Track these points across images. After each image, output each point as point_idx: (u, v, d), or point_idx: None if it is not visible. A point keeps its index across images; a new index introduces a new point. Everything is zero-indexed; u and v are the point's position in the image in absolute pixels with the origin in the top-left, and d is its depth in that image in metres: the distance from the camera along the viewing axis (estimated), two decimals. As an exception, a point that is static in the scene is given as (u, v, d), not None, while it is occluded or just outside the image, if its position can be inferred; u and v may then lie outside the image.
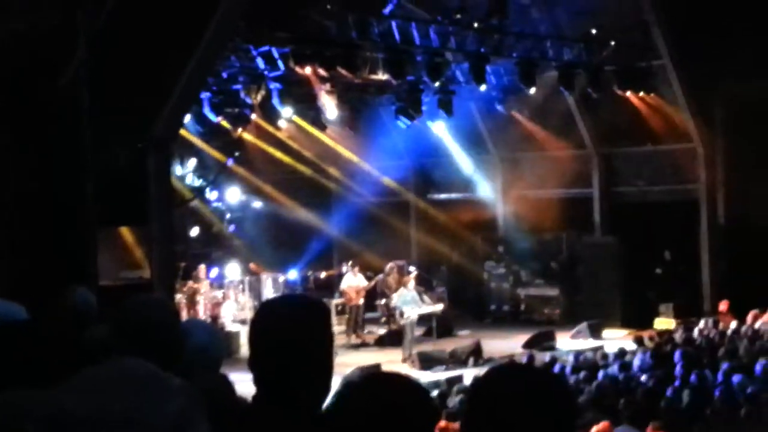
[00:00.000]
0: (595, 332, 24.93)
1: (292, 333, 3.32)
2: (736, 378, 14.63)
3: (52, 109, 14.24)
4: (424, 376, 19.75)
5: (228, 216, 30.48)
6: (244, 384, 3.63)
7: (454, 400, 15.32)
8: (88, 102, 14.44)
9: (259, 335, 3.42)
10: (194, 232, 29.11)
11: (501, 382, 2.68)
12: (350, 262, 27.32)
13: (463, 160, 32.19)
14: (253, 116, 27.76)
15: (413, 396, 2.78)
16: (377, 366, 19.07)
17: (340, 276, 27.55)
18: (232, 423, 3.34)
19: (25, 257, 13.57)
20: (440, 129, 30.86)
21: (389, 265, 26.91)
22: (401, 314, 23.09)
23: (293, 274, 29.52)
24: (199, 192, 28.78)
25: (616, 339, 23.65)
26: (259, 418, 3.29)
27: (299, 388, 3.30)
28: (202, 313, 24.50)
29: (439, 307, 24.74)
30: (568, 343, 24.27)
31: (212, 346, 4.91)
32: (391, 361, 21.93)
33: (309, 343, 3.34)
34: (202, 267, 26.31)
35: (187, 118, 23.91)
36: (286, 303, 3.82)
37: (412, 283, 23.77)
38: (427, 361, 21.97)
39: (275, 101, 26.17)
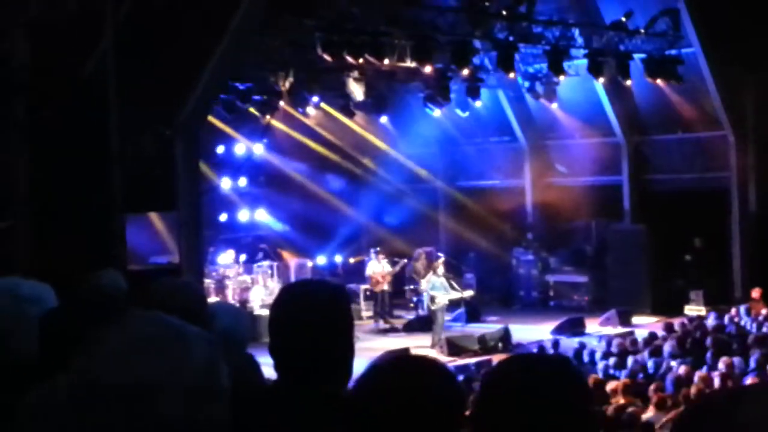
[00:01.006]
0: (625, 319, 24.84)
1: (312, 317, 3.32)
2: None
3: (80, 97, 14.30)
4: (453, 362, 19.75)
5: (257, 202, 30.53)
6: (268, 368, 3.63)
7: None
8: (115, 89, 14.50)
9: (278, 319, 3.42)
10: (223, 217, 29.18)
11: (511, 374, 2.61)
12: (377, 249, 27.33)
13: (492, 148, 32.11)
14: (281, 103, 27.81)
15: (440, 379, 2.74)
16: (405, 350, 19.08)
17: (367, 262, 27.60)
18: (254, 405, 3.33)
19: (55, 243, 13.65)
20: (468, 116, 30.78)
21: (417, 251, 26.92)
22: (431, 300, 23.11)
23: (321, 260, 29.58)
24: (228, 177, 28.84)
25: (646, 326, 23.55)
26: (279, 401, 3.28)
27: (319, 371, 3.29)
28: (231, 297, 24.62)
29: (467, 293, 24.72)
30: (597, 329, 24.21)
31: (238, 328, 4.92)
32: (420, 346, 21.92)
33: (329, 327, 3.33)
34: (230, 252, 26.35)
35: (216, 105, 23.98)
36: (305, 287, 3.81)
37: (441, 269, 23.76)
38: (455, 347, 22.00)
39: (303, 88, 26.20)
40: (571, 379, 2.62)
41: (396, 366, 2.81)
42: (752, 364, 15.41)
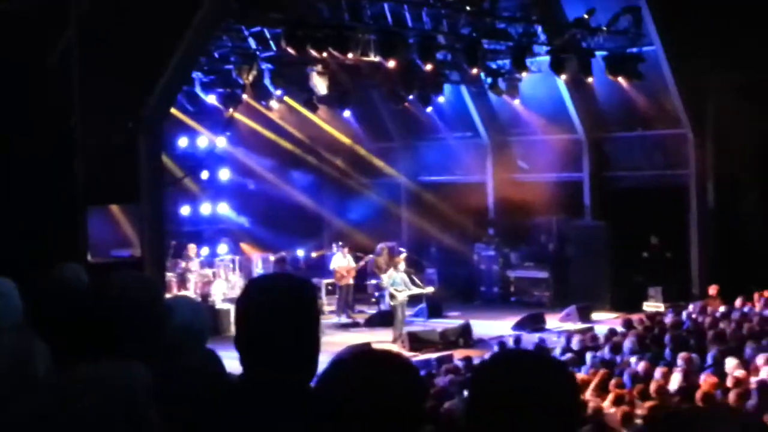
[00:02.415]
0: (585, 315, 24.99)
1: (277, 310, 3.32)
2: (728, 361, 14.71)
3: (43, 87, 14.22)
4: (414, 357, 19.81)
5: (219, 195, 30.45)
6: (232, 362, 3.64)
7: (444, 380, 15.38)
8: (78, 81, 14.43)
9: (244, 313, 3.42)
10: (185, 211, 29.09)
11: (504, 371, 2.64)
12: (340, 243, 27.38)
13: (454, 143, 32.18)
14: (245, 96, 27.75)
15: (402, 373, 2.78)
16: (367, 345, 19.11)
17: (331, 256, 27.62)
18: (218, 401, 3.34)
19: (15, 235, 13.57)
20: (431, 111, 30.84)
21: (380, 246, 26.98)
22: (391, 295, 23.16)
23: (284, 254, 29.54)
24: (190, 171, 28.73)
25: (606, 322, 23.71)
26: (245, 396, 3.29)
27: (285, 365, 3.29)
28: (193, 291, 24.55)
29: (428, 289, 24.81)
30: (558, 325, 24.35)
31: (196, 322, 4.92)
32: (381, 341, 21.97)
33: (294, 320, 3.33)
34: (192, 246, 26.31)
35: (178, 97, 23.90)
36: (271, 280, 3.82)
37: (402, 265, 23.81)
38: (416, 342, 22.06)
39: (267, 81, 26.16)
40: (561, 376, 2.66)
41: (359, 360, 2.84)
42: (709, 360, 15.57)
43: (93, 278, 6.00)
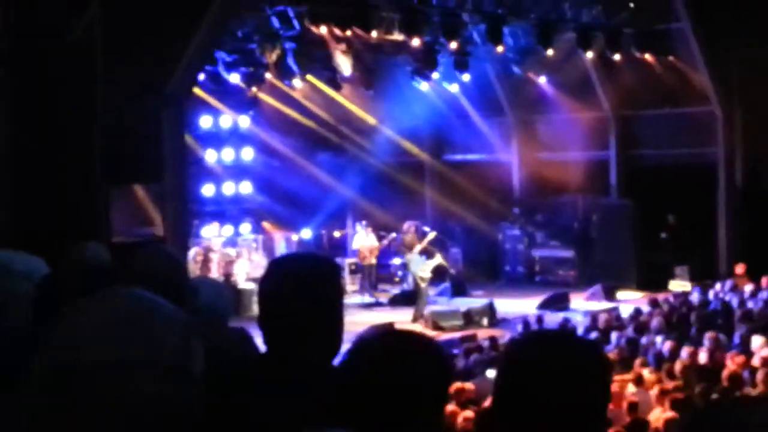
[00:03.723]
0: (610, 294, 24.90)
1: (301, 290, 3.32)
2: (755, 339, 14.62)
3: (65, 64, 14.18)
4: (437, 336, 19.75)
5: (242, 175, 30.43)
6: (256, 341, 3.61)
7: (466, 360, 15.32)
8: (101, 58, 14.39)
9: (268, 293, 3.43)
10: (208, 190, 29.07)
11: (535, 350, 2.58)
12: (363, 222, 27.34)
13: (479, 122, 32.05)
14: (268, 75, 27.69)
15: (426, 352, 2.74)
16: (390, 325, 19.08)
17: (354, 236, 27.59)
18: (243, 377, 3.32)
19: (37, 215, 13.55)
20: (456, 90, 30.71)
21: (407, 225, 26.84)
22: (418, 276, 23.08)
23: (307, 234, 29.52)
24: (213, 150, 28.72)
25: (631, 301, 23.59)
26: (268, 376, 3.28)
27: (308, 345, 3.30)
28: (215, 271, 24.56)
29: (438, 259, 24.50)
30: (583, 304, 24.25)
31: (219, 302, 4.88)
32: (405, 320, 21.93)
33: (318, 300, 3.34)
34: (215, 225, 26.28)
35: (201, 77, 23.86)
36: (294, 260, 3.84)
37: (418, 247, 23.64)
38: (440, 321, 22.02)
39: (290, 61, 26.07)
40: (593, 356, 2.60)
41: (383, 339, 2.84)
42: (736, 339, 15.46)
43: (115, 257, 5.94)
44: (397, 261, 27.80)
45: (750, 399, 1.96)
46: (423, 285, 23.02)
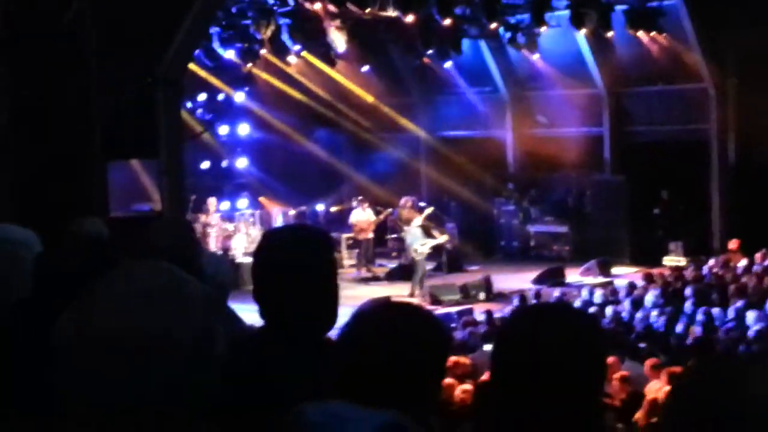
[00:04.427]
0: (605, 269, 24.96)
1: (295, 261, 3.31)
2: (750, 315, 14.72)
3: (60, 43, 14.20)
4: (434, 311, 19.84)
5: (238, 150, 30.45)
6: (253, 314, 3.63)
7: (464, 333, 15.42)
8: (95, 36, 14.40)
9: (262, 265, 3.42)
10: (205, 165, 29.11)
11: (533, 324, 2.58)
12: (360, 197, 27.40)
13: (473, 98, 32.06)
14: (263, 51, 27.68)
15: (424, 324, 2.76)
16: (388, 298, 19.15)
17: (350, 210, 27.64)
18: (240, 350, 3.33)
19: (35, 191, 13.61)
20: (450, 66, 30.72)
21: (404, 199, 26.88)
22: (414, 250, 23.16)
23: (303, 209, 29.57)
24: (209, 126, 28.75)
25: (626, 276, 23.69)
26: (264, 347, 3.29)
27: (303, 316, 3.29)
28: (213, 245, 24.60)
29: (444, 237, 24.70)
30: (578, 279, 24.34)
31: (220, 275, 4.93)
32: (401, 295, 22.01)
33: (312, 272, 3.33)
34: (212, 200, 26.38)
35: (196, 53, 23.84)
36: (288, 232, 3.82)
37: (417, 220, 23.78)
38: (438, 295, 22.13)
39: (284, 36, 26.06)
40: (590, 329, 2.60)
41: (381, 311, 2.83)
42: (732, 314, 15.57)
43: (115, 232, 6.02)
44: (393, 236, 27.88)
45: (740, 362, 1.98)
46: (418, 259, 23.10)
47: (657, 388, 11.17)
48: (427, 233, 23.65)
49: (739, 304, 15.88)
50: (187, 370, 1.90)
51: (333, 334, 3.26)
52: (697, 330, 14.28)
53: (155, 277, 1.97)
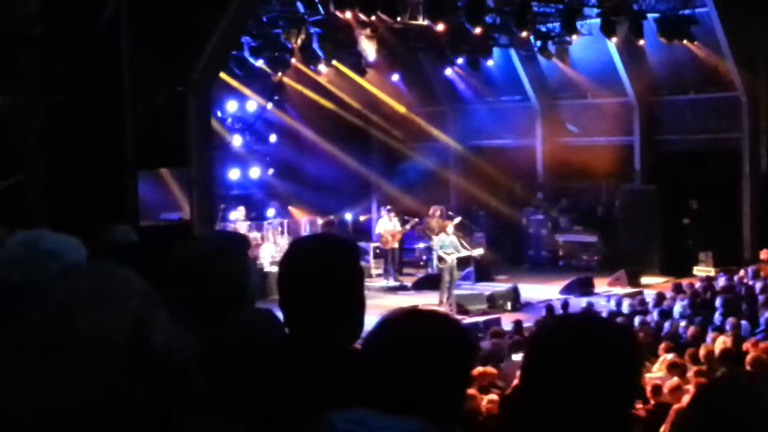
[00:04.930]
0: (634, 279, 24.87)
1: (321, 270, 3.30)
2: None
3: (93, 50, 14.29)
4: (462, 320, 19.81)
5: (267, 159, 30.54)
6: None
7: (489, 343, 15.39)
8: (128, 43, 14.49)
9: (287, 274, 3.42)
10: (234, 174, 29.20)
11: (564, 334, 2.56)
12: (387, 207, 27.41)
13: (504, 107, 32.05)
14: (293, 60, 27.77)
15: (450, 331, 2.76)
16: (414, 307, 19.14)
17: (377, 220, 27.68)
18: (265, 360, 3.34)
19: (66, 199, 13.69)
20: (481, 75, 30.74)
21: (432, 208, 26.88)
22: (440, 258, 23.15)
23: (331, 218, 29.60)
24: (239, 135, 28.88)
25: (655, 286, 23.59)
26: (290, 356, 3.28)
27: (329, 325, 3.28)
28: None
29: (478, 251, 24.75)
30: (606, 289, 24.25)
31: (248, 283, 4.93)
32: (429, 304, 21.97)
33: (338, 280, 3.32)
34: (241, 209, 26.41)
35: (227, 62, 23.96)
36: (313, 241, 3.83)
37: (451, 228, 23.80)
38: (465, 305, 22.10)
39: (315, 45, 26.13)
40: (624, 340, 2.58)
41: (407, 318, 2.83)
42: (762, 324, 15.47)
43: (145, 240, 6.06)
44: (421, 245, 27.90)
45: (757, 374, 1.95)
46: (443, 267, 23.01)
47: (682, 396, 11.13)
48: (460, 244, 23.60)
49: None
50: (124, 366, 1.92)
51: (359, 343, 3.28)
52: (726, 340, 14.18)
53: (84, 281, 1.99)
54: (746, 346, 13.74)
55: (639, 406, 10.69)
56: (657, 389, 11.51)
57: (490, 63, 28.95)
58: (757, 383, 2.07)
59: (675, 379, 11.98)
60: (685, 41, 26.40)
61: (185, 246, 4.22)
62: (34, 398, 1.88)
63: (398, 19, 23.33)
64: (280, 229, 27.24)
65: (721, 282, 20.42)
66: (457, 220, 24.88)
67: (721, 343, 13.82)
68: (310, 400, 3.01)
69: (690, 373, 12.25)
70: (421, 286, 25.34)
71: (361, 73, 29.72)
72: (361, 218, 30.29)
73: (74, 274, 2.03)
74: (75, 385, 1.88)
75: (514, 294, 22.92)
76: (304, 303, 3.31)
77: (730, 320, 15.16)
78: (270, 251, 25.39)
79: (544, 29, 27.83)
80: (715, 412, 2.00)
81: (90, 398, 1.88)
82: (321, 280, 3.29)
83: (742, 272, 21.62)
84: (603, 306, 20.04)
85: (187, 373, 2.02)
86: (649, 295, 20.32)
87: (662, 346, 14.21)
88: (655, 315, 17.35)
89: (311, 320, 3.30)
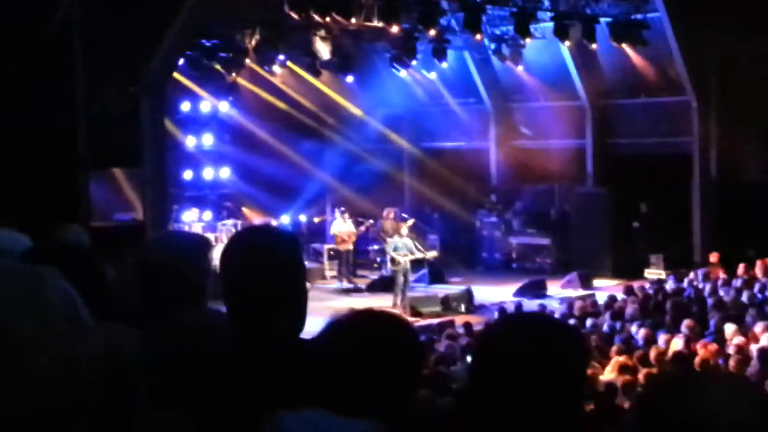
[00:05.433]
0: (586, 282, 24.99)
1: (261, 259, 3.29)
2: (727, 327, 14.77)
3: (45, 52, 14.20)
4: (416, 322, 19.84)
5: (221, 160, 30.43)
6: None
7: (445, 345, 15.42)
8: (80, 44, 14.41)
9: (228, 264, 3.38)
10: (188, 175, 29.08)
11: (510, 335, 2.54)
12: (342, 208, 27.38)
13: (457, 110, 32.14)
14: (247, 61, 27.70)
15: (400, 332, 2.79)
16: (367, 309, 19.11)
17: (331, 221, 27.64)
18: (209, 355, 3.31)
19: (17, 198, 13.59)
20: (434, 78, 30.82)
21: (386, 211, 26.89)
22: (393, 260, 23.17)
23: (285, 219, 29.54)
24: (193, 135, 28.76)
25: (607, 289, 23.73)
26: (233, 349, 3.24)
27: (271, 315, 3.25)
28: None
29: (431, 254, 24.78)
30: (559, 292, 24.38)
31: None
32: (383, 306, 21.97)
33: (278, 269, 3.29)
34: (195, 210, 26.29)
35: (181, 62, 23.87)
36: (254, 232, 3.81)
37: (405, 230, 23.81)
38: (418, 307, 22.11)
39: (269, 46, 26.09)
40: (572, 339, 2.57)
41: (358, 319, 2.86)
42: (711, 327, 15.60)
43: (97, 241, 6.02)
44: (375, 247, 27.91)
45: (701, 375, 1.97)
46: (396, 269, 22.99)
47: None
48: (413, 245, 23.61)
49: (718, 317, 15.91)
50: (63, 343, 1.93)
51: (308, 337, 3.26)
52: (678, 343, 14.29)
53: (5, 275, 2.00)
54: (695, 347, 13.87)
55: (589, 407, 10.77)
56: (610, 389, 11.59)
57: (444, 65, 29.00)
58: (701, 383, 2.09)
59: (627, 377, 12.08)
60: (636, 45, 26.60)
61: (148, 245, 4.22)
62: None
63: (353, 20, 23.32)
64: (233, 230, 27.09)
65: (671, 285, 20.58)
66: (411, 222, 24.89)
67: (674, 345, 13.94)
68: (260, 392, 3.01)
69: (640, 375, 12.35)
70: (375, 288, 25.30)
71: (316, 74, 29.72)
72: (315, 220, 30.25)
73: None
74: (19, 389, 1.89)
75: (468, 296, 22.95)
76: (245, 292, 3.28)
77: (687, 322, 15.27)
78: (223, 252, 25.24)
79: (497, 32, 27.95)
80: (657, 411, 2.02)
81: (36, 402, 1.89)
82: (261, 268, 3.27)
83: (692, 275, 21.80)
84: (555, 308, 20.13)
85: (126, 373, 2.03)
86: (601, 298, 20.44)
87: (614, 348, 14.30)
88: (606, 317, 17.45)
89: (254, 310, 3.27)
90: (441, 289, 24.30)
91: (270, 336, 3.23)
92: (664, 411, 2.00)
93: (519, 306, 20.56)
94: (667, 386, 2.08)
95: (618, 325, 16.61)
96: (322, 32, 26.12)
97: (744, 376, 11.08)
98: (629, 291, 20.25)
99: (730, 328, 14.78)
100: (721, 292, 18.80)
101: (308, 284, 3.60)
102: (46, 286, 1.98)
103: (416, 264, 24.24)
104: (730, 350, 13.48)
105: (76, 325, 1.99)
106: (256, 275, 3.27)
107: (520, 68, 29.41)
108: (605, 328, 16.60)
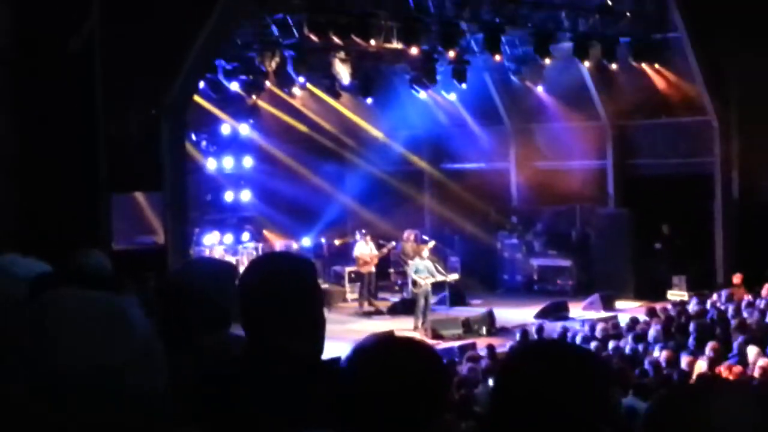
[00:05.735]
0: (608, 303, 24.90)
1: (277, 283, 3.35)
2: (750, 349, 14.66)
3: (66, 73, 14.25)
4: (437, 345, 19.77)
5: (242, 183, 30.50)
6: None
7: (466, 368, 15.36)
8: (100, 67, 14.47)
9: (246, 288, 3.46)
10: (209, 198, 29.14)
11: (533, 361, 2.59)
12: (363, 231, 27.38)
13: (477, 131, 32.13)
14: (267, 83, 27.77)
15: (425, 359, 2.77)
16: (390, 333, 19.10)
17: (353, 244, 27.63)
18: (227, 377, 3.35)
19: (39, 222, 13.62)
20: (454, 99, 30.82)
21: (407, 233, 26.88)
22: (414, 283, 23.14)
23: (307, 242, 29.56)
24: (213, 158, 28.84)
25: (629, 310, 23.62)
26: (250, 373, 3.30)
27: (288, 337, 3.30)
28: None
29: (452, 276, 24.74)
30: (581, 314, 24.28)
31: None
32: (404, 329, 21.94)
33: (294, 293, 3.36)
34: (216, 233, 26.31)
35: (201, 85, 23.96)
36: (272, 258, 3.87)
37: (426, 252, 23.79)
38: (439, 330, 22.06)
39: (289, 69, 26.15)
40: (591, 367, 2.59)
41: (382, 345, 2.85)
42: (734, 349, 15.50)
43: (119, 265, 6.01)
44: (397, 269, 27.88)
45: (711, 386, 1.96)
46: (417, 291, 23.01)
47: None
48: (435, 268, 23.59)
49: (741, 339, 15.80)
50: (146, 377, 1.93)
51: (321, 356, 3.35)
52: (702, 365, 14.21)
53: (89, 305, 2.00)
54: (719, 370, 13.77)
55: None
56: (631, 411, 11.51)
57: (463, 86, 29.01)
58: (711, 392, 2.08)
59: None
60: (657, 65, 26.56)
61: (177, 270, 4.25)
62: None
63: (372, 42, 23.36)
64: (254, 253, 27.13)
65: (694, 306, 20.46)
66: (432, 244, 24.86)
67: (698, 367, 13.85)
68: (276, 415, 3.05)
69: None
70: (396, 310, 25.26)
71: (336, 96, 29.78)
72: (337, 242, 30.24)
73: (67, 299, 2.02)
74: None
75: (489, 318, 22.89)
76: (262, 315, 3.34)
77: (711, 344, 15.16)
78: (244, 275, 25.25)
79: (517, 53, 27.95)
80: (667, 421, 2.01)
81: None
82: (277, 293, 3.34)
83: (715, 296, 21.68)
84: (577, 330, 20.04)
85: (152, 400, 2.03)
86: (623, 320, 20.34)
87: (636, 371, 14.22)
88: (629, 339, 17.37)
89: (270, 335, 3.32)
90: (462, 312, 24.22)
91: (286, 360, 3.26)
92: (673, 421, 1.99)
93: (541, 328, 20.46)
94: (676, 396, 2.08)
95: (641, 347, 16.53)
96: (342, 54, 26.14)
97: (753, 384, 10.98)
98: (652, 313, 20.16)
99: (753, 350, 14.67)
100: (745, 314, 18.69)
101: (326, 309, 3.62)
102: (131, 317, 1.99)
103: (437, 286, 24.21)
104: (755, 372, 13.39)
105: (156, 358, 2.00)
106: (273, 301, 3.33)
107: (540, 89, 29.40)
108: (628, 350, 16.52)
